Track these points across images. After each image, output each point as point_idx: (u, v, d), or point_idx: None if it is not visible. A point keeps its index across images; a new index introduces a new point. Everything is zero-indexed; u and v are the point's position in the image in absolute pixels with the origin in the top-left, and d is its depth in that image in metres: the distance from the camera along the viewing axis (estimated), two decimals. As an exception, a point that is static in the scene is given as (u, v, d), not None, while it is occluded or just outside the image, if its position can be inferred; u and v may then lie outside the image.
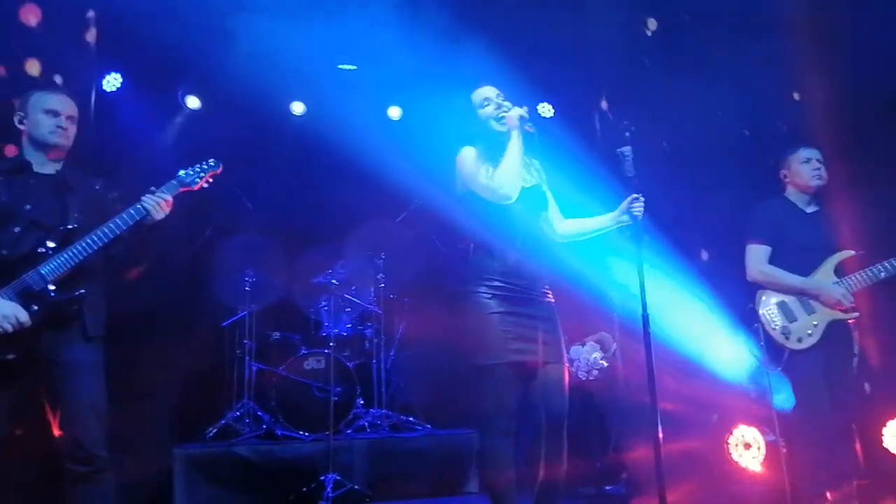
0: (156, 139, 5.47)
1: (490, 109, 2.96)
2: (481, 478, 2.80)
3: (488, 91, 3.01)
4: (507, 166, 2.84)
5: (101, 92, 5.18)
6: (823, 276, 3.55)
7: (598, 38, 5.43)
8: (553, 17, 5.54)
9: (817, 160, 3.71)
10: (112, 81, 5.31)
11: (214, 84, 5.61)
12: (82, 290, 2.85)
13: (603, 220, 3.05)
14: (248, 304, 5.46)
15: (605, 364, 4.62)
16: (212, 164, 3.10)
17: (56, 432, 2.83)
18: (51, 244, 2.83)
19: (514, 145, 2.86)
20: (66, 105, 3.02)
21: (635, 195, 2.89)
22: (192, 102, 5.77)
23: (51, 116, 2.96)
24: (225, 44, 4.88)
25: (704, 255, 5.09)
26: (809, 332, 3.49)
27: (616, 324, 4.84)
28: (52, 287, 2.78)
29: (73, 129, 3.04)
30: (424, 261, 5.89)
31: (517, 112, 2.89)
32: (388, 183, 5.52)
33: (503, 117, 2.93)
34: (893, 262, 3.47)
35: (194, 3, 4.86)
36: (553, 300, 2.96)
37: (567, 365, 2.92)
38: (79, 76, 4.52)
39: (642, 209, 2.88)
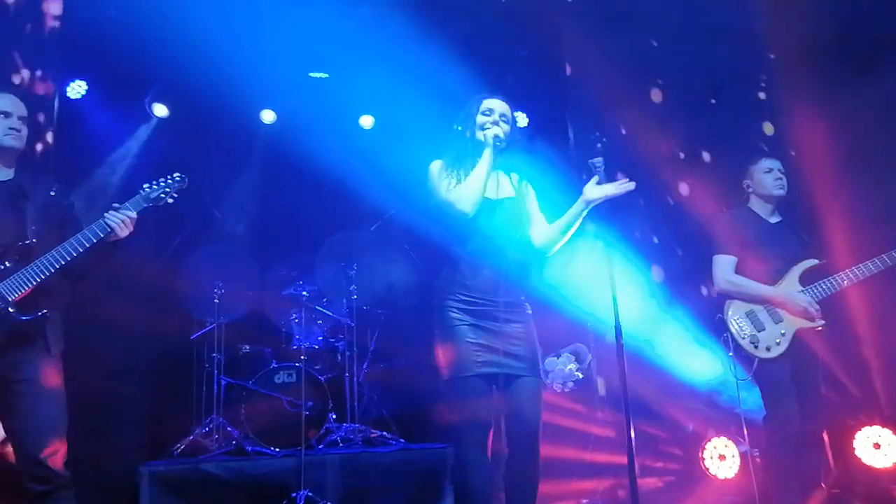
0: (122, 147, 5.36)
1: (487, 120, 2.97)
2: (458, 491, 2.79)
3: (496, 104, 3.01)
4: (470, 182, 2.85)
5: (65, 99, 5.06)
6: (789, 286, 3.60)
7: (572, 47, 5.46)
8: (527, 27, 5.58)
9: (779, 170, 3.77)
10: (77, 88, 5.20)
11: (182, 91, 5.54)
12: (45, 311, 2.77)
13: (573, 209, 2.96)
14: (217, 317, 5.36)
15: (581, 375, 4.61)
16: (177, 178, 3.01)
17: (13, 450, 2.76)
18: (9, 262, 2.75)
19: (483, 162, 2.86)
20: (16, 106, 2.94)
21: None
22: (160, 110, 5.68)
23: (3, 118, 2.89)
24: (194, 51, 4.80)
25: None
26: (778, 340, 3.53)
27: (591, 335, 4.84)
28: (12, 308, 2.70)
29: (25, 131, 2.95)
30: (398, 272, 5.85)
31: (493, 131, 2.91)
32: (361, 193, 5.49)
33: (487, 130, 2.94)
34: (855, 270, 3.53)
35: (162, 9, 4.78)
36: (530, 312, 2.95)
37: (542, 377, 2.89)
38: (42, 82, 4.41)
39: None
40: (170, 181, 3.00)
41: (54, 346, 2.83)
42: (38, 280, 2.74)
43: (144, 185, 2.98)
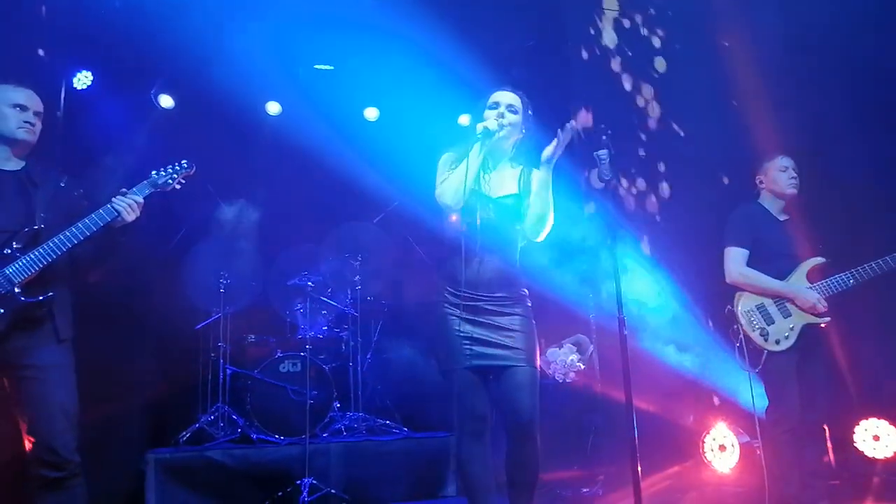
0: (128, 138, 5.38)
1: (490, 114, 2.95)
2: (459, 480, 2.84)
3: (501, 96, 3.00)
4: (454, 176, 2.85)
5: (71, 90, 5.08)
6: (797, 281, 3.66)
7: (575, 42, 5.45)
8: (532, 20, 5.57)
9: (793, 169, 3.80)
10: (83, 79, 5.21)
11: (188, 83, 5.54)
12: (51, 293, 2.80)
13: (538, 175, 2.93)
14: (223, 307, 5.40)
15: (582, 366, 4.63)
16: (184, 165, 3.05)
17: (25, 437, 2.77)
18: (17, 245, 2.78)
19: (470, 157, 2.83)
20: (33, 100, 2.98)
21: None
22: (166, 101, 5.69)
23: (18, 111, 2.92)
24: (199, 42, 4.81)
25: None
26: (786, 334, 3.58)
27: (593, 326, 4.86)
28: (18, 290, 2.73)
29: (39, 125, 3.00)
30: (401, 263, 5.87)
31: (485, 123, 2.87)
32: (365, 184, 5.50)
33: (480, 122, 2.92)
34: (861, 270, 3.57)
35: (167, 0, 4.80)
36: (529, 305, 2.96)
37: (538, 368, 2.91)
38: (48, 73, 4.43)
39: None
40: (177, 167, 3.04)
41: (63, 331, 2.85)
42: (45, 263, 2.76)
43: (152, 171, 3.02)
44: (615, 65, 5.28)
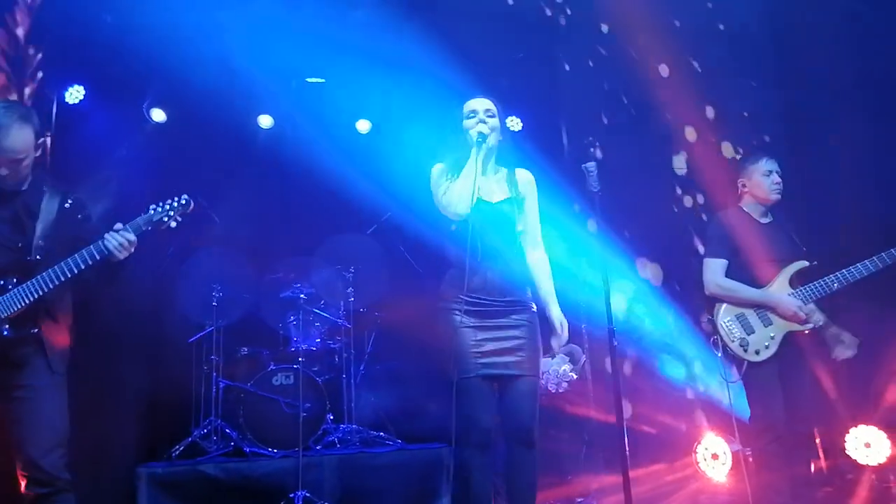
0: (120, 152, 5.38)
1: (472, 122, 3.00)
2: (455, 491, 2.83)
3: (476, 104, 3.05)
4: (459, 184, 2.90)
5: (63, 104, 5.09)
6: (779, 288, 3.59)
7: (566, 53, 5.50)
8: (522, 31, 5.62)
9: (777, 173, 3.72)
10: (74, 93, 5.22)
11: (180, 96, 5.55)
12: (35, 329, 2.77)
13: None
14: (215, 320, 5.39)
15: (575, 376, 4.63)
16: (184, 202, 2.98)
17: (14, 454, 2.77)
18: (12, 278, 2.76)
19: (469, 164, 2.89)
20: (15, 144, 2.75)
21: None
22: (158, 115, 5.69)
23: None
24: (191, 56, 4.83)
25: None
26: (767, 344, 3.52)
27: (585, 336, 4.87)
28: (7, 326, 2.71)
29: (27, 161, 2.82)
30: (394, 274, 5.88)
31: (475, 130, 2.94)
32: (357, 196, 5.52)
33: (471, 129, 2.98)
34: (845, 273, 3.51)
35: (159, 14, 4.82)
36: (534, 310, 2.99)
37: (539, 377, 2.93)
38: (40, 87, 4.44)
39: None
40: (174, 204, 2.96)
41: (56, 366, 2.82)
42: (36, 297, 2.74)
43: (150, 206, 2.95)
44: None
